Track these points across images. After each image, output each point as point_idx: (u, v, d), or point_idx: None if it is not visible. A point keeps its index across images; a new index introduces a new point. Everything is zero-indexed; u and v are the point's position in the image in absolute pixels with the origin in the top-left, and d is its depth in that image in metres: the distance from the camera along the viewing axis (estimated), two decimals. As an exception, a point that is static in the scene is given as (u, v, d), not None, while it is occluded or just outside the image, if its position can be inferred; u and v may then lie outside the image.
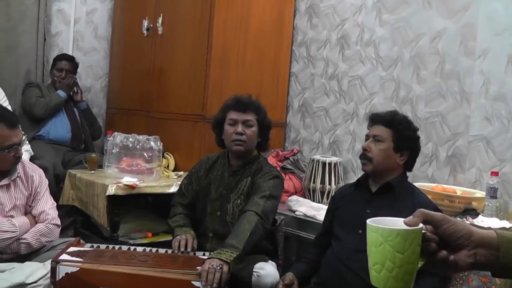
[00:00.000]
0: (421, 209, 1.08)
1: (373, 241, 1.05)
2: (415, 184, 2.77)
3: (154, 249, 2.61)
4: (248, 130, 2.76)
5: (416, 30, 3.49)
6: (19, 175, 2.81)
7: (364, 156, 2.44)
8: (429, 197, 2.51)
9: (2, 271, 2.49)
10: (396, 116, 2.46)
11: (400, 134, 2.41)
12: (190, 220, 2.86)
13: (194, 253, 2.60)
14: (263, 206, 2.60)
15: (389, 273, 1.03)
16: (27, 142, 3.73)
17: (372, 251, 1.05)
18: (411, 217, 1.06)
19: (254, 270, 2.53)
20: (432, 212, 1.08)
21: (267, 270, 2.54)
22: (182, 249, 2.58)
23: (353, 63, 3.88)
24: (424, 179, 3.34)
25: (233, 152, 2.82)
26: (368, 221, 1.07)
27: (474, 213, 2.78)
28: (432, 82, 3.39)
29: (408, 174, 2.53)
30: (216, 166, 2.90)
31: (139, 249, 2.61)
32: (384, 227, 1.04)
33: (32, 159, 3.76)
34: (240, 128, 2.75)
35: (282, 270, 2.74)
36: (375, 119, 2.50)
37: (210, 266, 2.28)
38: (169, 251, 2.60)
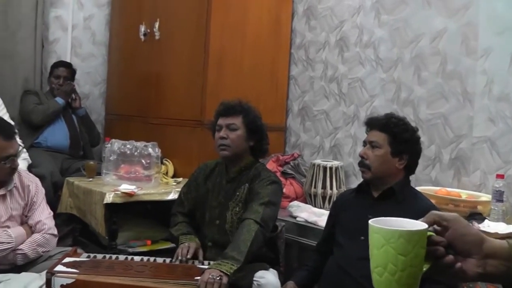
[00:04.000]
0: (433, 211, 1.03)
1: (374, 242, 1.00)
2: (419, 188, 2.72)
3: (152, 259, 2.56)
4: (231, 133, 2.71)
5: (416, 30, 3.44)
6: (15, 185, 2.79)
7: (362, 163, 2.39)
8: (433, 201, 2.47)
9: (-2, 282, 2.46)
10: (392, 119, 2.40)
11: (396, 138, 2.34)
12: (193, 228, 2.82)
13: (193, 263, 2.54)
14: (262, 213, 2.54)
15: (391, 277, 0.98)
16: (25, 150, 3.70)
17: (374, 254, 1.00)
18: (423, 219, 1.02)
19: (254, 279, 2.48)
20: (445, 213, 1.03)
21: (267, 278, 2.49)
22: (188, 257, 2.54)
23: (353, 65, 3.83)
24: (428, 183, 3.28)
25: (222, 158, 2.78)
26: (370, 221, 1.02)
27: (480, 217, 2.71)
28: (434, 83, 3.34)
29: (411, 177, 2.48)
30: (214, 174, 2.85)
31: (137, 258, 2.57)
32: (386, 228, 0.99)
33: (30, 167, 3.73)
34: (222, 133, 2.71)
35: (283, 278, 2.69)
36: (370, 124, 2.45)
37: (210, 276, 2.23)
38: (167, 261, 2.55)
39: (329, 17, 4.02)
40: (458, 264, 0.99)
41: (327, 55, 4.03)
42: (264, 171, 2.77)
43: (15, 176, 2.78)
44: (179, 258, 2.54)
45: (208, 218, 2.77)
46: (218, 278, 2.23)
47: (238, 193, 2.72)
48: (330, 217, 2.62)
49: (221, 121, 2.75)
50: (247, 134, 2.74)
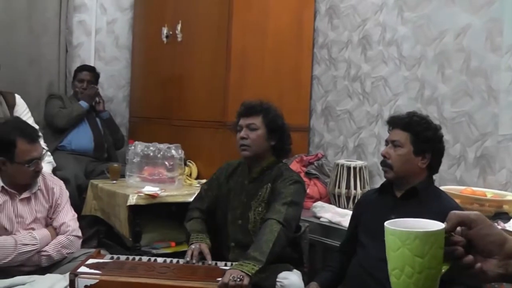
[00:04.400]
0: (454, 211, 1.00)
1: (391, 245, 0.98)
2: (443, 187, 2.68)
3: (174, 260, 2.55)
4: (251, 133, 2.70)
5: (439, 27, 3.39)
6: (39, 187, 2.82)
7: (384, 163, 2.36)
8: (458, 201, 2.42)
9: (23, 284, 2.48)
10: (414, 117, 2.36)
11: (419, 137, 2.30)
12: (206, 226, 2.80)
13: (216, 264, 2.53)
14: (285, 213, 2.51)
15: (408, 279, 0.96)
16: (49, 153, 3.74)
17: (391, 256, 0.98)
18: (445, 223, 0.98)
19: (277, 279, 2.47)
20: (467, 212, 1.00)
21: (291, 279, 2.48)
22: (193, 261, 2.52)
23: (376, 64, 3.79)
24: (452, 182, 3.22)
25: (243, 158, 2.77)
26: (386, 223, 1.00)
27: (506, 217, 2.66)
28: (458, 81, 3.29)
29: (435, 177, 2.43)
30: (237, 173, 2.83)
31: (159, 260, 2.57)
32: (401, 230, 0.97)
33: (54, 170, 3.77)
34: (242, 133, 2.70)
35: (307, 279, 2.67)
36: (392, 122, 2.41)
37: (231, 277, 2.21)
38: (207, 263, 2.53)
39: (352, 16, 3.98)
40: (478, 265, 0.97)
41: (350, 54, 4.00)
42: (286, 170, 2.75)
43: (40, 179, 2.82)
44: (187, 259, 2.52)
45: (230, 218, 2.75)
46: (239, 279, 2.21)
47: (260, 193, 2.70)
48: (353, 218, 2.59)
49: (241, 122, 2.74)
50: (267, 133, 2.72)
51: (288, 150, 2.83)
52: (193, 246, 2.59)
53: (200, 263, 2.51)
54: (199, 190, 3.00)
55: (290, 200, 2.57)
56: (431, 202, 2.27)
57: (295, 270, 2.64)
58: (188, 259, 2.53)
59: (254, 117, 2.72)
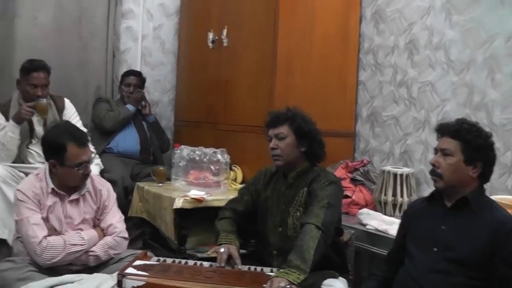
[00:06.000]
0: None
1: None
2: (494, 196, 2.61)
3: (222, 264, 2.56)
4: (280, 143, 2.69)
5: (489, 30, 3.31)
6: (88, 189, 2.89)
7: (434, 172, 2.30)
8: (510, 211, 2.35)
9: (71, 282, 2.54)
10: (464, 125, 2.28)
11: (469, 145, 2.23)
12: (238, 228, 2.80)
13: (262, 270, 2.54)
14: (323, 217, 2.48)
15: None
16: (97, 156, 3.81)
17: None
18: None
19: (322, 286, 2.45)
20: None
21: (336, 287, 2.46)
22: (222, 264, 2.53)
23: (423, 69, 3.73)
24: (504, 192, 3.12)
25: (276, 167, 2.79)
26: None
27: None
28: (508, 86, 3.20)
29: (485, 186, 2.37)
30: (274, 180, 2.83)
31: (206, 264, 2.59)
32: None
33: (102, 172, 3.86)
34: (272, 143, 2.71)
35: (353, 287, 2.64)
36: (442, 130, 2.34)
37: (280, 285, 2.21)
38: (237, 267, 2.54)
39: (398, 20, 3.93)
40: None
41: (396, 59, 3.95)
42: (323, 172, 2.73)
43: (88, 181, 2.88)
44: (220, 264, 2.53)
45: (271, 226, 2.75)
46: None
47: (297, 198, 2.68)
48: (401, 227, 2.53)
49: (270, 132, 2.75)
50: (296, 140, 2.70)
51: (320, 154, 2.79)
52: (222, 249, 2.60)
53: (230, 267, 2.52)
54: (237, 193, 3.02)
55: (327, 202, 2.54)
56: (483, 213, 2.21)
57: (340, 278, 2.61)
58: (221, 263, 2.53)
59: (280, 127, 2.72)
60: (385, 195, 3.48)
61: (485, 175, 2.29)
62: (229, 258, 2.57)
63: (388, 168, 3.56)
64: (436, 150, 2.33)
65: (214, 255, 2.62)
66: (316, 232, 2.43)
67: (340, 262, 2.75)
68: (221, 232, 2.75)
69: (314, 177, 2.68)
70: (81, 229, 2.79)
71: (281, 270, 2.33)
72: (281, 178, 2.79)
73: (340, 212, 2.78)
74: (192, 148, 3.76)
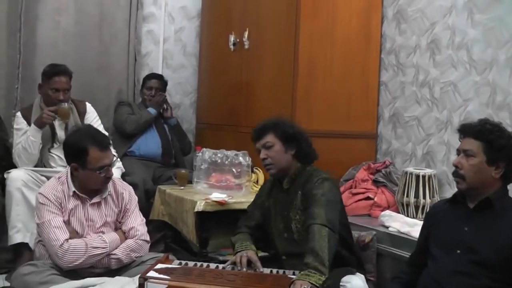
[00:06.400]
0: None
1: None
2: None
3: (243, 268, 2.56)
4: (270, 152, 2.74)
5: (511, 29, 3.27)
6: (109, 193, 2.91)
7: (456, 173, 2.28)
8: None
9: (94, 285, 2.56)
10: (486, 125, 2.26)
11: (492, 145, 2.21)
12: (254, 240, 2.83)
13: (284, 272, 2.54)
14: (325, 215, 2.49)
15: None
16: (119, 159, 3.82)
17: None
18: None
19: (341, 283, 2.46)
20: None
21: (353, 283, 2.48)
22: (244, 268, 2.54)
23: (445, 69, 3.69)
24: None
25: (271, 176, 2.85)
26: None
27: None
28: (532, 86, 3.16)
29: (509, 186, 2.33)
30: (274, 189, 2.88)
31: (228, 267, 2.58)
32: None
33: (123, 175, 3.86)
34: (262, 154, 2.76)
35: (374, 288, 2.63)
36: (464, 131, 2.32)
37: None
38: (258, 270, 2.54)
39: (420, 19, 3.89)
40: None
41: (418, 59, 3.91)
42: (314, 172, 2.74)
43: (110, 184, 2.90)
44: (238, 268, 2.54)
45: (276, 233, 2.79)
46: None
47: (295, 202, 2.71)
48: (423, 229, 2.51)
49: (257, 145, 2.80)
50: (284, 146, 2.74)
51: (310, 153, 2.81)
52: (239, 254, 2.62)
53: (252, 271, 2.53)
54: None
55: (324, 200, 2.56)
56: (507, 214, 2.19)
57: (358, 274, 2.62)
58: (239, 268, 2.54)
59: (266, 136, 2.76)
60: (407, 196, 3.45)
61: (509, 176, 2.27)
62: (249, 263, 2.58)
63: (410, 169, 3.53)
64: (459, 151, 2.31)
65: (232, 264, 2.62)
66: (323, 231, 2.44)
67: (353, 257, 2.76)
68: (236, 242, 2.78)
69: (306, 178, 2.72)
70: (103, 232, 2.82)
71: (302, 272, 2.32)
72: (278, 186, 2.84)
73: (343, 207, 2.82)
74: (214, 150, 3.76)
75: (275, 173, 2.77)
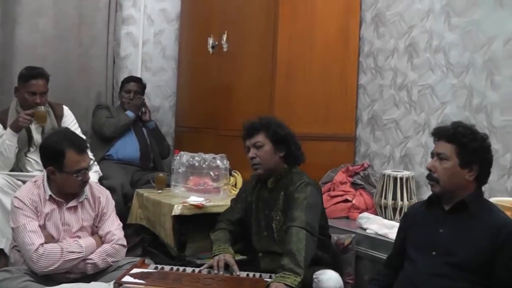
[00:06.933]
0: None
1: None
2: (493, 199, 2.60)
3: (220, 272, 2.55)
4: (259, 151, 2.76)
5: (488, 33, 3.29)
6: (86, 197, 2.88)
7: (430, 177, 2.29)
8: (508, 213, 2.33)
9: (69, 291, 2.53)
10: (459, 128, 2.27)
11: (465, 148, 2.22)
12: (233, 237, 2.86)
13: (260, 276, 2.53)
14: (305, 218, 2.54)
15: None
16: (96, 163, 3.80)
17: None
18: None
19: (313, 276, 2.51)
20: None
21: (328, 273, 2.52)
22: (221, 271, 2.55)
23: (423, 72, 3.71)
24: (503, 193, 3.10)
25: (257, 176, 2.85)
26: None
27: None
28: (508, 88, 3.18)
29: (484, 188, 2.36)
30: (257, 186, 2.89)
31: (204, 271, 2.57)
32: None
33: (101, 179, 3.84)
34: (250, 153, 2.77)
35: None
36: (437, 134, 2.34)
37: None
38: (235, 274, 2.54)
39: (398, 23, 3.92)
40: None
41: (396, 62, 3.93)
42: (296, 175, 2.77)
43: (86, 188, 2.87)
44: (215, 271, 2.55)
45: (256, 230, 2.81)
46: None
47: (278, 202, 2.74)
48: (400, 231, 2.52)
49: (247, 143, 2.81)
50: (274, 147, 2.76)
51: (298, 156, 2.84)
52: (217, 258, 2.63)
53: (228, 274, 2.54)
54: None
55: (306, 203, 2.60)
56: (482, 216, 2.20)
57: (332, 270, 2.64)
58: (216, 271, 2.55)
59: (257, 135, 2.78)
60: (385, 198, 3.46)
61: (482, 178, 2.29)
62: (226, 266, 2.59)
63: (388, 171, 3.55)
64: (433, 155, 2.33)
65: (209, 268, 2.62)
66: (301, 234, 2.48)
67: (329, 259, 2.79)
68: (214, 243, 2.79)
69: (289, 180, 2.74)
70: (79, 237, 2.78)
71: (277, 275, 2.34)
72: (263, 184, 2.85)
73: (323, 210, 2.84)
74: (192, 154, 3.74)
75: (262, 173, 2.78)
